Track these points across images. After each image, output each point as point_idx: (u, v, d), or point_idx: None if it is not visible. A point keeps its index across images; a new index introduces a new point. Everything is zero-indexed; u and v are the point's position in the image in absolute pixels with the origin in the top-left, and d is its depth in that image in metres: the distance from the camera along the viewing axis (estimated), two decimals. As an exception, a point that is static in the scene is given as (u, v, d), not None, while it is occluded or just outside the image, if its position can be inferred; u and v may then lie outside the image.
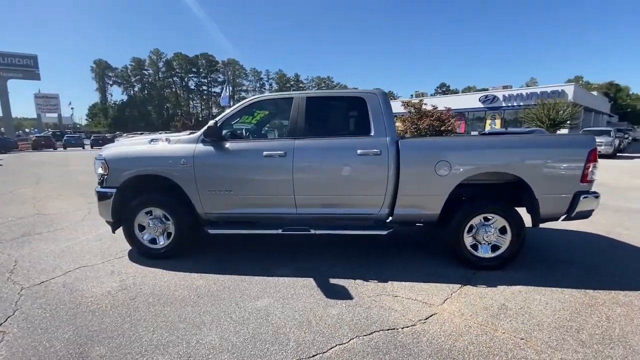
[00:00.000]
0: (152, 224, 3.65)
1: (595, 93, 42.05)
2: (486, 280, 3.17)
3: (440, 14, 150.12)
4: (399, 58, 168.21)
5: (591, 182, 3.28)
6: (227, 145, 3.49)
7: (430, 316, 2.57)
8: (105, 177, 3.62)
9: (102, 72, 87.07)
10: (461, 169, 3.26)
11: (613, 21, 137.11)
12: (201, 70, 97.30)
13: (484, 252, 3.42)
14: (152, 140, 3.71)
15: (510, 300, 2.80)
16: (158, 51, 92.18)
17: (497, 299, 2.84)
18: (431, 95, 54.65)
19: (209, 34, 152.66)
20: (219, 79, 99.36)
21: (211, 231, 3.57)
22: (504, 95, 29.79)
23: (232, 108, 3.67)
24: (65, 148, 32.86)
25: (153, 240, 3.71)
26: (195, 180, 3.48)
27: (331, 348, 2.19)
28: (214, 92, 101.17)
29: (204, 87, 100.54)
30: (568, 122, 21.97)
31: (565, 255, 3.82)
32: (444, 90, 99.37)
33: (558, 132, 20.34)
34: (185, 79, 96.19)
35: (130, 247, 3.94)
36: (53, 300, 2.82)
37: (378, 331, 2.38)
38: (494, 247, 3.42)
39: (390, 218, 3.51)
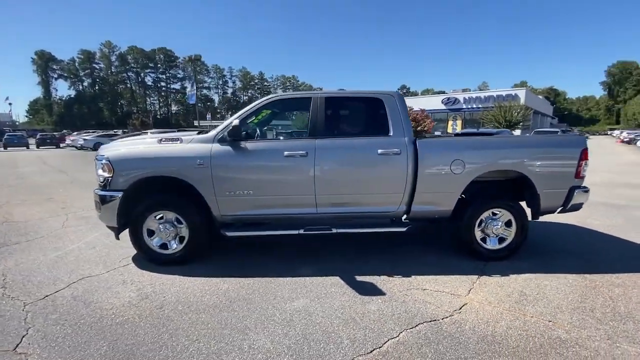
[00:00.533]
0: (163, 228, 3.46)
1: (540, 97, 46.30)
2: (497, 270, 3.41)
3: (400, 17, 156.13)
4: (361, 60, 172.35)
5: (583, 177, 3.65)
6: (246, 145, 3.40)
7: (463, 306, 2.73)
8: (110, 179, 3.36)
9: (45, 64, 79.14)
10: (474, 167, 3.47)
11: (553, 32, 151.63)
12: (159, 65, 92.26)
13: (493, 245, 3.67)
14: (162, 140, 3.50)
15: (526, 288, 3.05)
16: (110, 43, 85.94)
17: (514, 287, 3.08)
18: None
19: (167, 28, 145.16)
20: (179, 75, 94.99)
21: (229, 234, 3.46)
22: (464, 98, 31.79)
23: (248, 107, 3.58)
24: (5, 148, 29.40)
25: (164, 246, 3.51)
26: (212, 181, 3.35)
27: (385, 343, 2.25)
28: (173, 88, 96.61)
29: (162, 84, 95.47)
30: (521, 123, 24.01)
31: (556, 245, 4.21)
32: (405, 92, 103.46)
33: (513, 132, 22.10)
34: (142, 74, 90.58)
35: (133, 254, 3.72)
36: (69, 315, 2.57)
37: (422, 323, 2.48)
38: (501, 240, 3.68)
39: (406, 215, 3.65)
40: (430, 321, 2.51)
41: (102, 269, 3.44)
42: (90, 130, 38.93)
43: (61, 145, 31.51)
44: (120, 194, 3.34)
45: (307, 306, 2.72)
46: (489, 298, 2.87)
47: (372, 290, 3.00)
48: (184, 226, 3.47)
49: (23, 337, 2.31)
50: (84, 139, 25.78)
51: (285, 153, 3.39)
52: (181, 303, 2.77)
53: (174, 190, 3.54)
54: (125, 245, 4.07)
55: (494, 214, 3.65)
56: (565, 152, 3.62)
